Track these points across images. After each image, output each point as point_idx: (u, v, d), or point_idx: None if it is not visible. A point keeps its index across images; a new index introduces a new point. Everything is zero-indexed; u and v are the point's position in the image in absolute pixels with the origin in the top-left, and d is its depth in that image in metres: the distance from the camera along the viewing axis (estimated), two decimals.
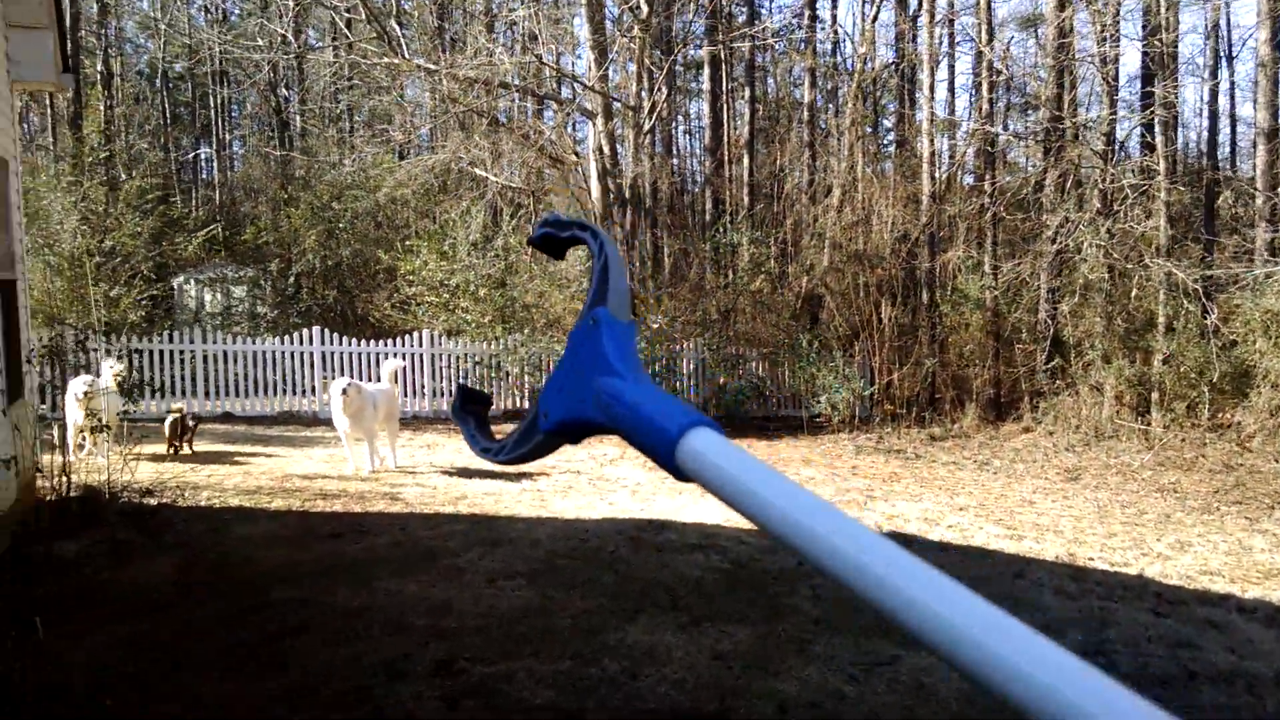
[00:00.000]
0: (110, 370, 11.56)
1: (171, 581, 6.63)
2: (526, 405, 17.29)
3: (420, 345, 16.74)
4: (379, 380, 12.34)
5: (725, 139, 25.39)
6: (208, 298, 23.01)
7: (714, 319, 18.99)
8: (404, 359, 16.45)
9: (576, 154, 20.46)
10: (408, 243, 19.04)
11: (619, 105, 20.02)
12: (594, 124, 18.92)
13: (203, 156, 31.95)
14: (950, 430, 17.30)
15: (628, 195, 19.18)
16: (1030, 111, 24.51)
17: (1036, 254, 17.98)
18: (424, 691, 4.91)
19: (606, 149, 18.71)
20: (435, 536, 7.80)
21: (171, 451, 11.32)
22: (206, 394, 15.96)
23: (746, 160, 25.03)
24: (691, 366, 18.09)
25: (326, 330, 16.64)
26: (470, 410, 1.06)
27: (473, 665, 5.26)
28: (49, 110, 25.47)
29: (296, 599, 6.29)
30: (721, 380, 17.96)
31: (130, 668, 5.20)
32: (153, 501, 8.67)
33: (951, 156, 24.82)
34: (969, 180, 23.72)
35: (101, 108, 24.51)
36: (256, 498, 9.05)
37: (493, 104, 19.47)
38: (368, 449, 10.69)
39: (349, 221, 21.32)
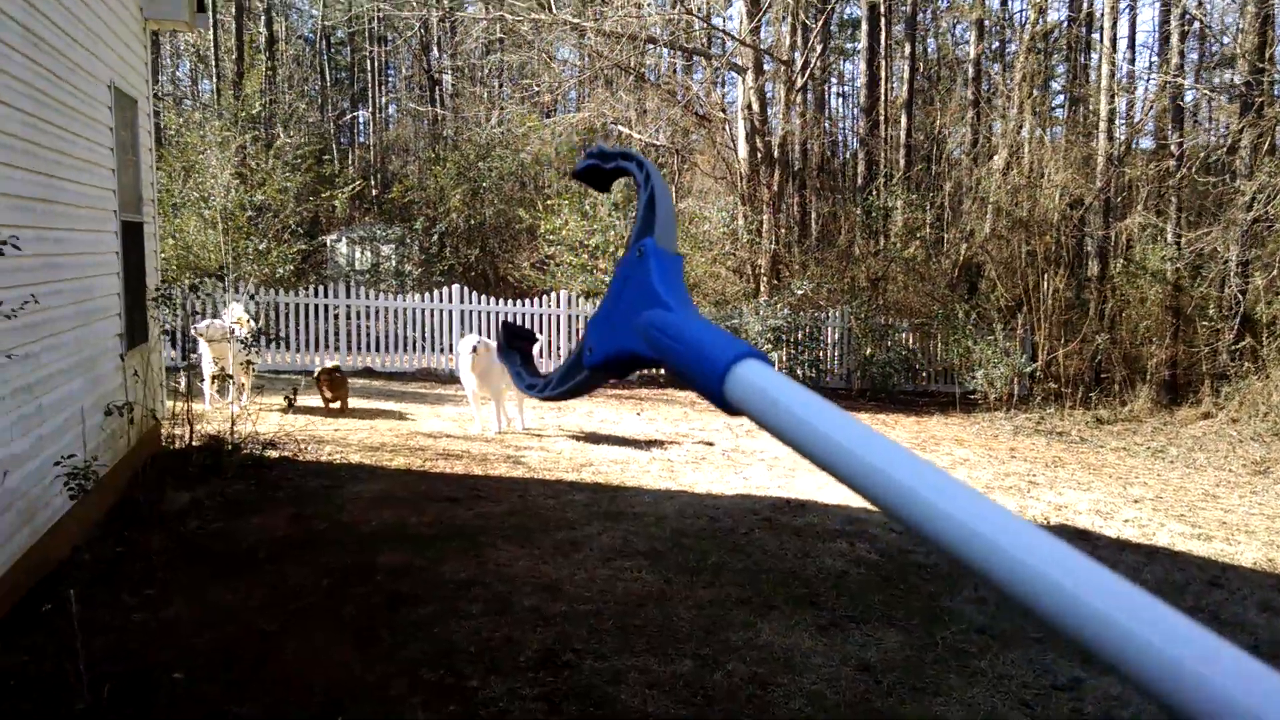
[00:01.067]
0: (232, 316, 11.39)
1: (279, 539, 6.23)
2: (663, 370, 16.61)
3: (557, 306, 16.27)
4: None
5: (882, 98, 23.97)
6: (357, 255, 23.20)
7: (863, 286, 17.90)
8: (528, 321, 16.03)
9: (724, 112, 19.54)
10: (549, 202, 18.56)
11: (771, 61, 18.99)
12: (744, 80, 17.95)
13: (360, 119, 32.41)
14: (1119, 413, 15.79)
15: (776, 155, 18.18)
16: (1224, 69, 22.18)
17: (1228, 223, 16.13)
18: (522, 689, 4.29)
19: (756, 106, 17.74)
20: (554, 506, 7.21)
21: (326, 406, 11.19)
22: (349, 349, 15.91)
23: (904, 121, 23.58)
24: (836, 336, 17.06)
25: (465, 289, 16.34)
26: (516, 347, 1.02)
27: (580, 659, 4.62)
28: (215, 73, 26.13)
29: (403, 566, 5.79)
30: (868, 351, 16.88)
31: (219, 632, 4.77)
32: (274, 454, 8.38)
33: (1129, 117, 22.79)
34: (1146, 144, 21.73)
35: (263, 68, 24.94)
36: (379, 455, 8.66)
37: (639, 60, 18.74)
38: (495, 409, 10.23)
39: (494, 181, 21.02)
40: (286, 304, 15.42)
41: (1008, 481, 10.02)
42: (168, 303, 7.61)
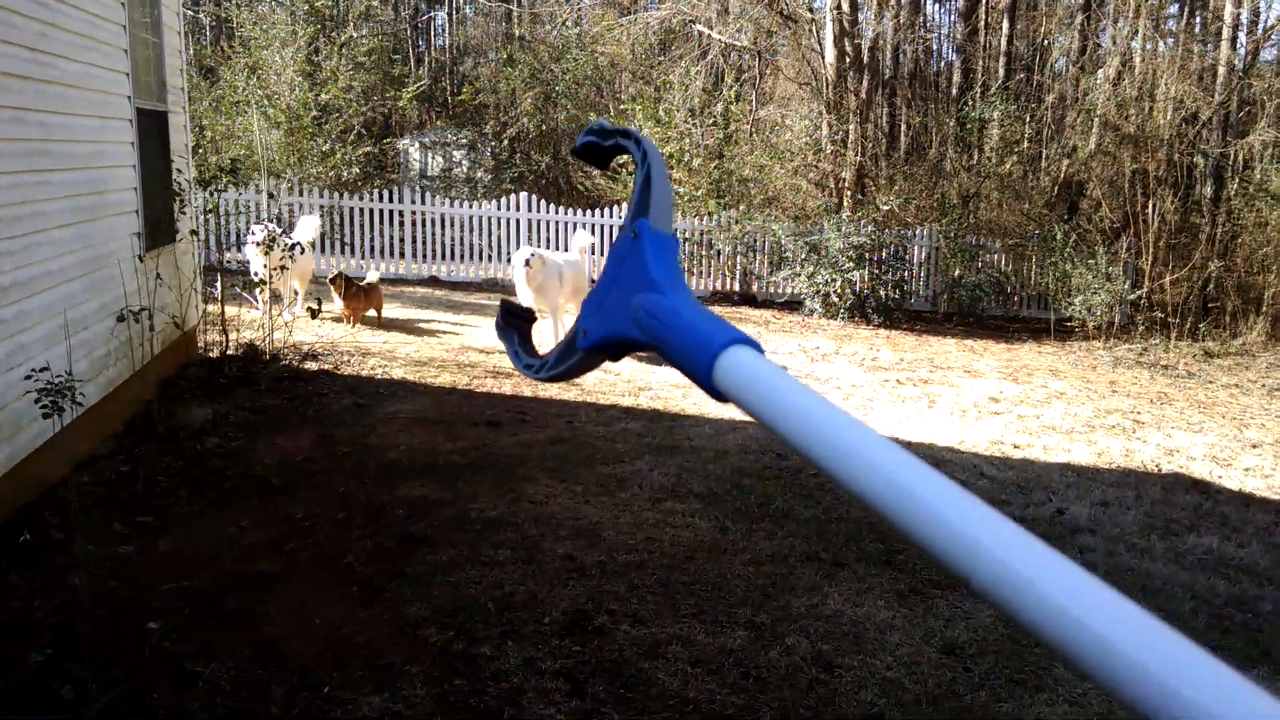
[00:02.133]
0: (306, 229, 10.79)
1: (298, 463, 5.61)
2: (738, 287, 15.74)
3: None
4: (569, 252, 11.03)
5: (983, 2, 22.17)
6: (429, 160, 22.51)
7: (953, 204, 16.63)
8: (597, 232, 15.20)
9: (811, 11, 18.13)
10: (621, 107, 17.49)
11: None
12: None
13: (437, 21, 31.42)
14: (1229, 346, 14.46)
15: (866, 60, 16.82)
16: None
17: None
18: (542, 660, 3.59)
19: (846, 5, 16.35)
20: (604, 436, 6.46)
21: (347, 319, 10.05)
22: (415, 256, 15.29)
23: (1005, 27, 21.76)
24: (923, 255, 15.91)
25: (533, 197, 15.53)
26: (514, 325, 0.99)
27: (615, 624, 3.90)
28: None
29: (428, 499, 5.12)
30: (956, 273, 15.72)
31: (210, 572, 4.17)
32: (313, 366, 7.77)
33: (1252, 25, 20.69)
34: (1269, 56, 19.72)
35: None
36: (424, 371, 8.00)
37: None
38: (552, 324, 9.49)
39: (568, 85, 19.99)
40: (351, 208, 14.83)
41: (1110, 420, 9.00)
42: (187, 196, 6.94)
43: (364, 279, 10.33)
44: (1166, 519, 5.93)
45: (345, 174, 15.95)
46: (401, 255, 15.34)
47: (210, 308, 8.07)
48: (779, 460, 6.21)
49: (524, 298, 9.28)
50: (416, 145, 22.72)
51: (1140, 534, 5.58)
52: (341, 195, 14.87)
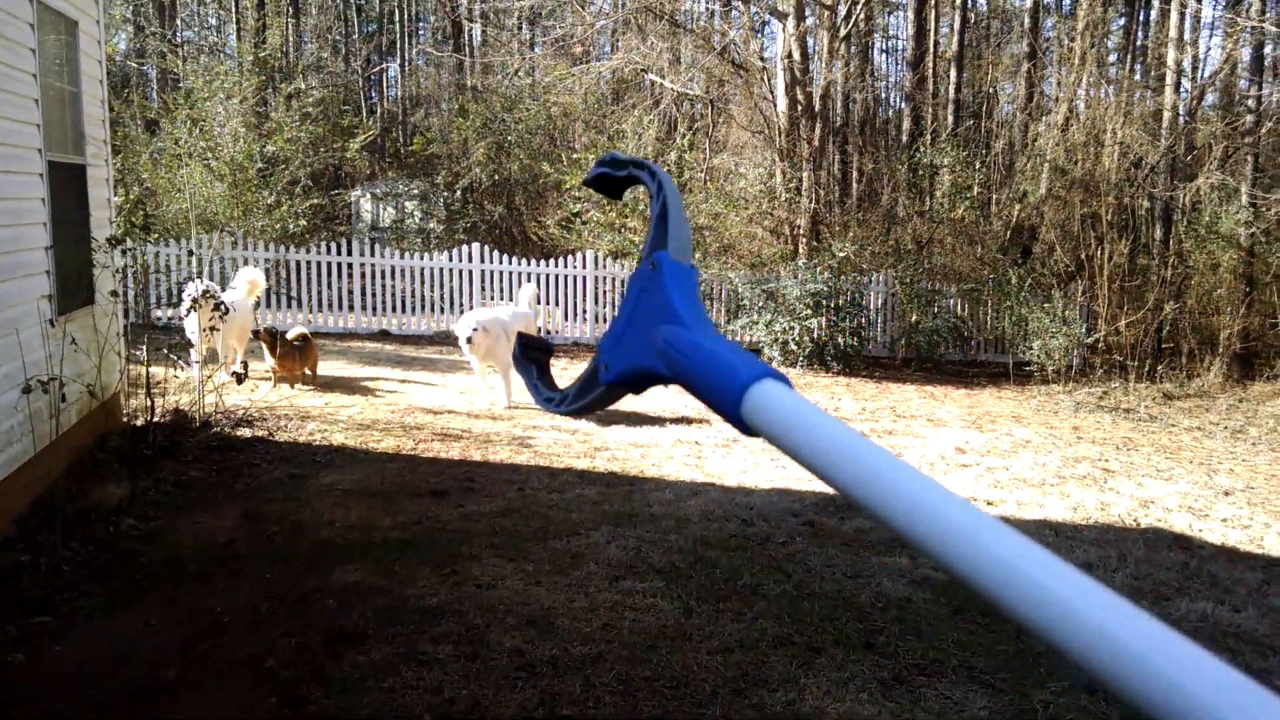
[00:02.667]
0: (244, 281, 10.25)
1: (223, 544, 5.09)
2: None
3: (584, 267, 15.01)
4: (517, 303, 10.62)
5: (930, 51, 22.30)
6: (382, 212, 22.03)
7: (908, 249, 16.48)
8: (553, 282, 14.84)
9: (763, 61, 18.02)
10: (574, 156, 17.19)
11: (813, 6, 17.44)
12: (784, 27, 16.43)
13: (389, 73, 31.10)
14: (1188, 388, 14.32)
15: (818, 107, 16.70)
16: None
17: None
18: None
19: (797, 55, 16.24)
20: (557, 504, 5.99)
21: (274, 378, 9.45)
22: (366, 309, 14.78)
23: (953, 75, 21.87)
24: (880, 301, 15.70)
25: (487, 247, 15.12)
26: (532, 358, 0.98)
27: None
28: (234, 19, 24.86)
29: (361, 586, 4.62)
30: (914, 318, 15.50)
31: (108, 683, 3.63)
32: (247, 433, 7.24)
33: (1194, 70, 20.94)
34: (1210, 100, 19.93)
35: (286, 21, 23.75)
36: (366, 435, 7.49)
37: (673, 3, 17.25)
38: (503, 382, 9.03)
39: (520, 135, 19.68)
40: (298, 262, 14.31)
41: (1080, 469, 8.69)
42: (108, 254, 6.43)
43: (287, 334, 9.56)
44: (1155, 581, 5.57)
45: (292, 226, 15.41)
46: (351, 308, 14.83)
47: (140, 369, 7.52)
48: (744, 528, 5.78)
49: (473, 362, 8.87)
50: (368, 196, 22.26)
51: (1131, 600, 5.20)
52: (288, 248, 14.34)
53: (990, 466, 8.43)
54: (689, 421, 9.08)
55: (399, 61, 29.32)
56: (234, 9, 24.10)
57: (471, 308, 14.94)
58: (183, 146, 15.16)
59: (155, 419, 6.88)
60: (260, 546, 5.10)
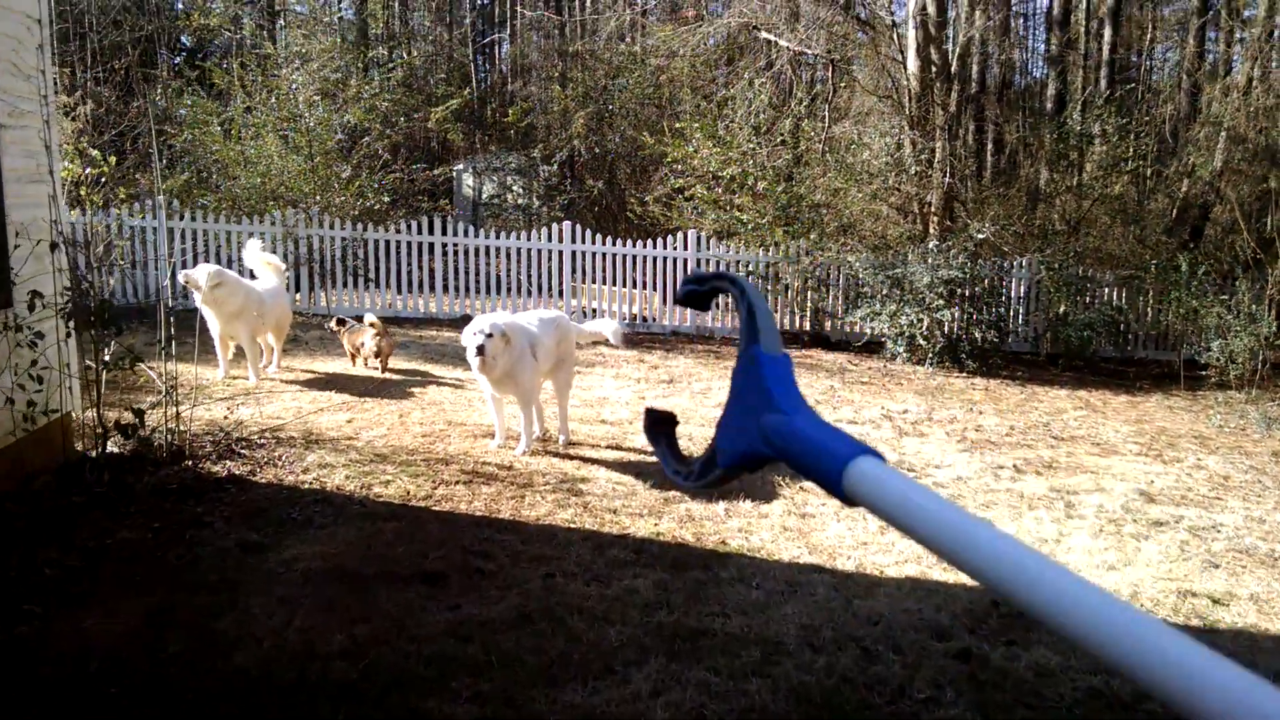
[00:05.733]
0: (252, 258, 8.65)
1: (93, 673, 3.32)
2: (808, 327, 13.21)
3: (684, 248, 12.97)
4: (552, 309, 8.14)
5: (1083, 5, 19.27)
6: (485, 188, 20.39)
7: (1056, 230, 13.88)
8: (655, 264, 12.86)
9: (892, 16, 15.50)
10: (678, 125, 15.07)
11: None
12: None
13: (502, 43, 29.36)
14: None
15: (954, 68, 14.16)
16: None
17: None
18: None
19: (933, 8, 13.74)
20: (594, 607, 4.01)
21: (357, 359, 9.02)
22: (447, 291, 13.10)
23: (1107, 33, 18.82)
24: (1023, 289, 13.18)
25: (577, 226, 13.22)
26: (661, 432, 1.00)
27: None
28: None
29: None
30: (1062, 308, 12.95)
31: None
32: (222, 468, 5.49)
33: None
34: None
35: None
36: (375, 472, 5.65)
37: None
38: (524, 421, 6.27)
39: (623, 103, 17.66)
40: (376, 241, 12.71)
41: None
42: (32, 238, 4.73)
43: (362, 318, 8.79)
44: None
45: (373, 203, 13.80)
46: (432, 290, 13.19)
47: (181, 367, 5.89)
48: (865, 665, 3.67)
49: (484, 386, 6.29)
50: (470, 171, 20.66)
51: None
52: (366, 226, 12.74)
53: (1193, 526, 6.08)
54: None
55: (509, 31, 27.59)
56: None
57: (560, 292, 13.12)
58: (256, 117, 13.70)
59: (107, 450, 5.19)
60: (142, 678, 3.30)
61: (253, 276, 8.52)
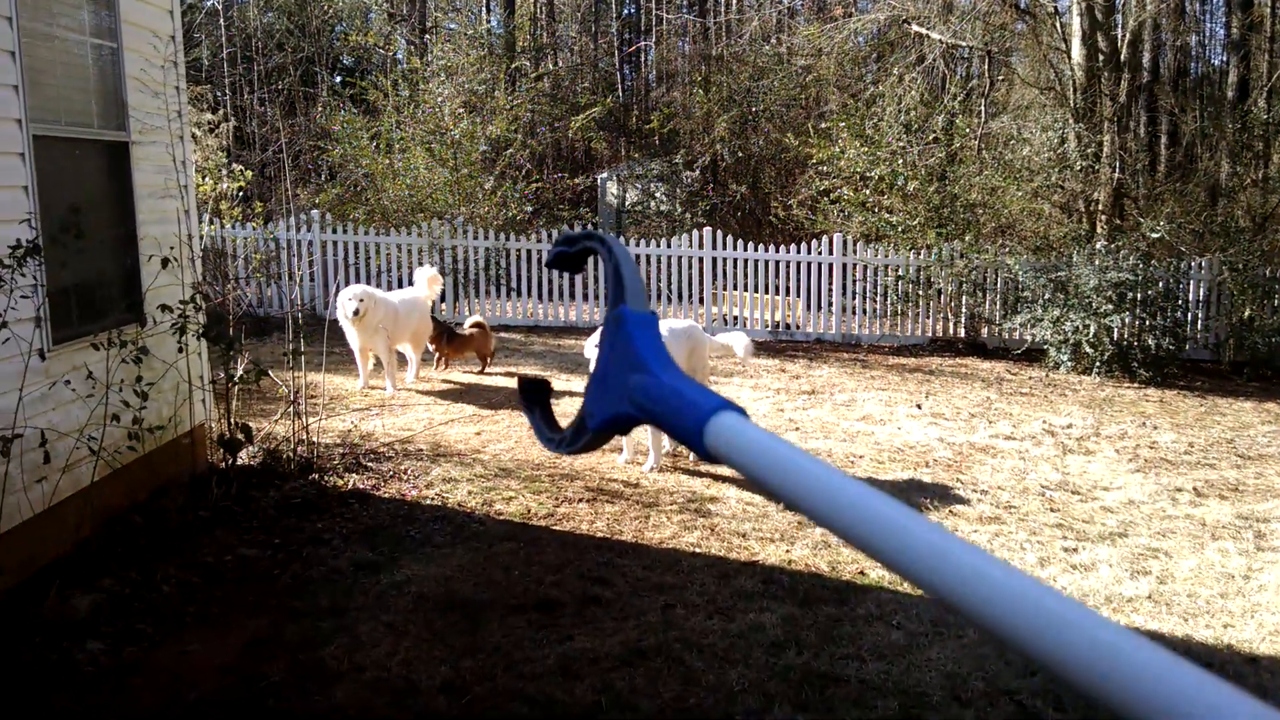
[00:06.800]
0: (422, 281, 8.71)
1: (192, 703, 3.18)
2: (963, 334, 12.41)
3: (829, 253, 12.40)
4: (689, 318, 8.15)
5: None
6: (628, 195, 20.28)
7: (1240, 227, 12.56)
8: (798, 270, 12.34)
9: (1055, 5, 14.41)
10: (823, 124, 14.46)
11: None
12: None
13: (648, 50, 29.27)
14: None
15: (1124, 56, 13.03)
16: None
17: None
18: None
19: None
20: (715, 644, 3.61)
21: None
22: (585, 299, 12.99)
23: None
24: (1202, 292, 11.97)
25: (717, 232, 12.85)
26: (535, 400, 0.97)
27: None
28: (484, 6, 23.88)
29: None
30: (1247, 313, 11.68)
31: None
32: (349, 481, 5.38)
33: None
34: None
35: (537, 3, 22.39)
36: (499, 488, 5.43)
37: None
38: (651, 435, 6.05)
39: (768, 105, 17.15)
40: (517, 250, 12.70)
41: None
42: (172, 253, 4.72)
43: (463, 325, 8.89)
44: None
45: (514, 212, 13.81)
46: (573, 298, 13.10)
47: (315, 377, 5.90)
48: None
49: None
50: (614, 179, 20.60)
51: None
52: (508, 236, 12.75)
53: None
54: (949, 465, 6.39)
55: (654, 38, 27.45)
56: None
57: (700, 299, 12.80)
58: (404, 131, 13.92)
59: (236, 463, 5.16)
60: (234, 713, 3.13)
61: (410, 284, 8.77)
